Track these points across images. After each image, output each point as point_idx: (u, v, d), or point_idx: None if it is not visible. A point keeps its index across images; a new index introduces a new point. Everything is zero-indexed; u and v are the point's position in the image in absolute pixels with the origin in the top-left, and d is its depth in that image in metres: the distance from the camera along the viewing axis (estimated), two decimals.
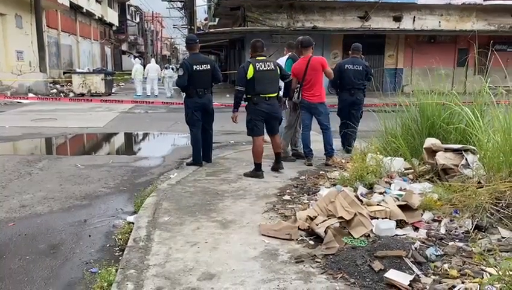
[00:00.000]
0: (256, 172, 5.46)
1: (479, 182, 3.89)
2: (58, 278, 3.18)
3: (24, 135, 9.31)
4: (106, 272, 3.05)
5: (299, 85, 6.00)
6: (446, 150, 4.49)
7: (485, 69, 5.23)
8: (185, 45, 6.51)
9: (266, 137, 5.67)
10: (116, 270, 3.03)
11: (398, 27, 19.79)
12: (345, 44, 19.97)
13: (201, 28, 35.19)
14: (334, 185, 4.68)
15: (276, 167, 5.64)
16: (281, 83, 5.72)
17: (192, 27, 25.50)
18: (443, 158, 4.40)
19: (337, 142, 6.39)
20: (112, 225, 4.22)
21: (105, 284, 2.89)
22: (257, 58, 5.33)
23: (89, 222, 4.28)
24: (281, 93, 5.82)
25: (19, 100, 15.96)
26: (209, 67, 5.92)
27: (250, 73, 5.21)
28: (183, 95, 6.21)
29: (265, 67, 5.27)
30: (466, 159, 4.24)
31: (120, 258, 3.31)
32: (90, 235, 3.96)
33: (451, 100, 4.99)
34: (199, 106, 5.92)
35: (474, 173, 4.03)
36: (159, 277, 2.90)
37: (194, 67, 5.77)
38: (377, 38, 19.85)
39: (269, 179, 5.36)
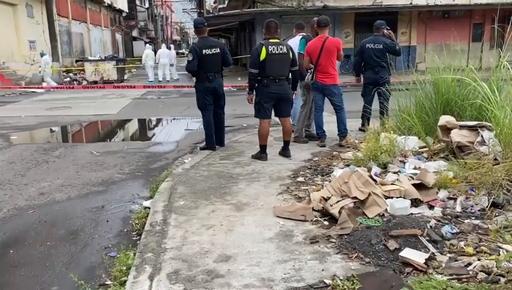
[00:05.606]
0: (261, 154, 5.46)
1: (495, 159, 3.85)
2: (79, 263, 3.26)
3: (40, 124, 9.43)
4: (125, 256, 3.11)
5: (312, 66, 5.94)
6: (461, 127, 4.43)
7: (502, 43, 5.11)
8: (193, 29, 6.46)
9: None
10: (134, 254, 3.08)
11: (411, 3, 19.28)
12: (356, 22, 19.63)
13: (211, 11, 34.87)
14: (348, 165, 4.66)
15: (283, 154, 5.55)
16: None
17: (202, 10, 25.33)
18: (458, 135, 4.34)
19: (350, 123, 6.34)
20: (129, 210, 4.29)
21: (124, 267, 2.95)
22: (270, 40, 5.25)
23: (106, 208, 4.36)
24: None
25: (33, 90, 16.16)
26: (218, 50, 5.88)
27: (262, 55, 5.15)
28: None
29: (277, 50, 5.20)
30: (482, 136, 4.18)
31: (138, 242, 3.37)
32: (107, 221, 4.03)
33: (467, 75, 4.89)
34: (210, 90, 5.90)
35: (490, 149, 3.98)
36: (176, 259, 2.95)
37: (204, 51, 5.73)
38: (389, 16, 19.36)
39: (282, 161, 5.37)
